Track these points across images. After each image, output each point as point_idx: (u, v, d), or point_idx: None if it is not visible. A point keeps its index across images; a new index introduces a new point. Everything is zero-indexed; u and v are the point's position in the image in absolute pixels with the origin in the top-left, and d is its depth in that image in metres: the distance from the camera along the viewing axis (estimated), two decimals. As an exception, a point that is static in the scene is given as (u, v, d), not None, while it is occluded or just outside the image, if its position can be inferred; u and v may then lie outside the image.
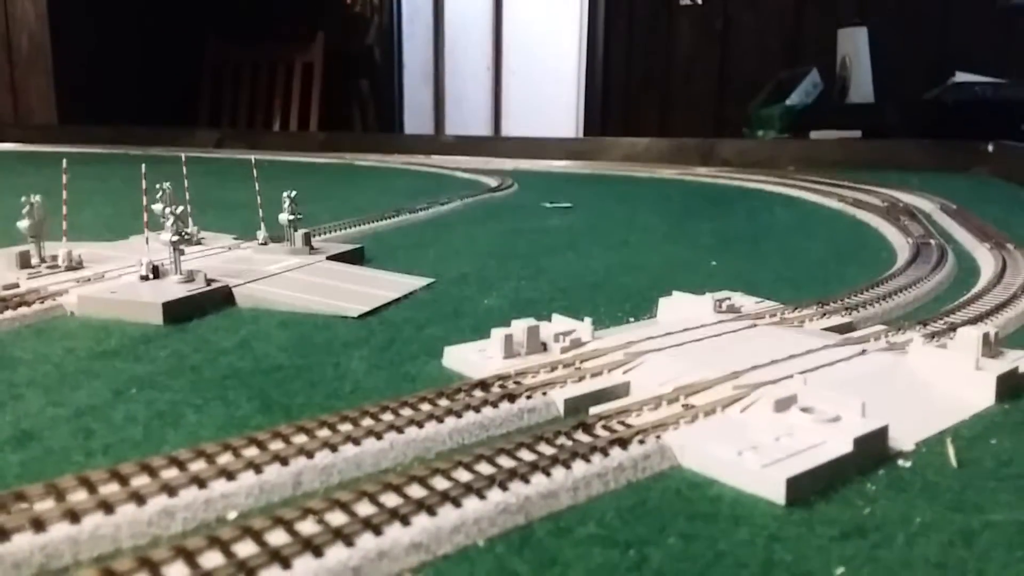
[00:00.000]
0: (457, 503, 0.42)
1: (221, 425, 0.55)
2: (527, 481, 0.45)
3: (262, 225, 1.05)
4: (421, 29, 4.20)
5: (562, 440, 0.49)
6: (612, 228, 1.46)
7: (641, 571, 0.39)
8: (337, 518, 0.41)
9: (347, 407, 0.53)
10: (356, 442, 0.49)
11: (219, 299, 0.83)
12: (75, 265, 0.90)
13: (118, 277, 0.87)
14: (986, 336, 0.63)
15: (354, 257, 1.06)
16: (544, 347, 0.65)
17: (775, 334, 0.71)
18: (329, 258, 1.01)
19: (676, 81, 3.81)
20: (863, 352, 0.66)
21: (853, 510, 0.44)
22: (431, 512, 0.41)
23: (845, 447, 0.48)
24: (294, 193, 1.02)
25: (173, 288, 0.82)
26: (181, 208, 0.84)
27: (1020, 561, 0.40)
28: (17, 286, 0.83)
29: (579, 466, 0.47)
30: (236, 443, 0.48)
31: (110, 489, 0.43)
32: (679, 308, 0.78)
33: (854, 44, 3.29)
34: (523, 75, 4.41)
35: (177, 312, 0.78)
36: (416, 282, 0.95)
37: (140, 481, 0.44)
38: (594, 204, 1.79)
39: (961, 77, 3.03)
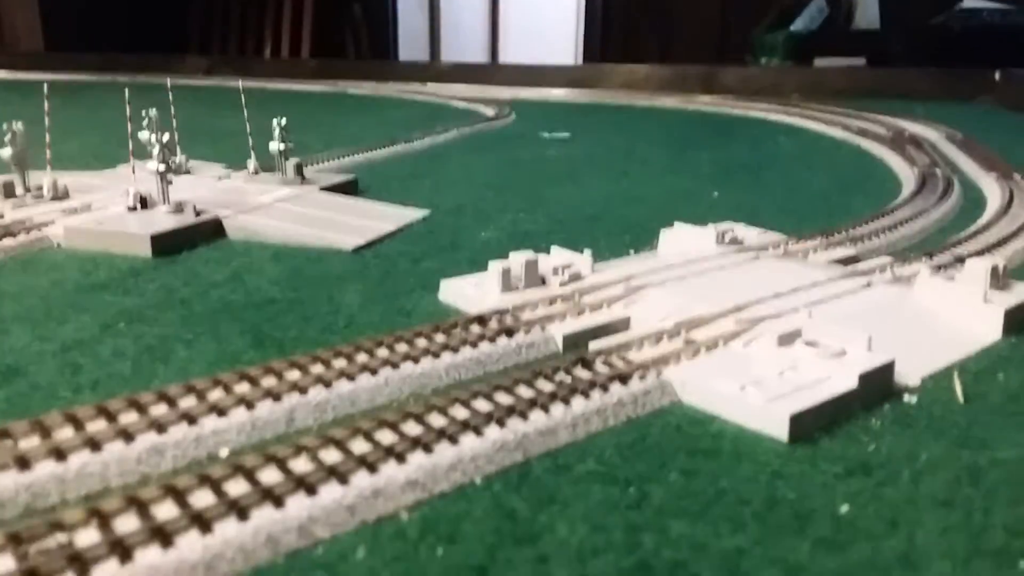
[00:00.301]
0: (454, 440, 0.41)
1: (212, 360, 0.54)
2: (525, 418, 0.44)
3: (252, 154, 1.03)
4: (415, -49, 4.06)
5: (561, 376, 0.48)
6: (612, 158, 1.43)
7: (641, 508, 0.38)
8: (331, 455, 0.40)
9: (341, 342, 0.52)
10: (351, 378, 0.48)
11: (209, 231, 0.81)
12: (60, 195, 0.88)
13: (105, 208, 0.85)
14: (994, 268, 0.62)
15: (348, 188, 1.03)
16: (543, 281, 0.64)
17: (779, 266, 0.70)
18: (322, 189, 0.99)
19: (678, 6, 3.70)
20: (868, 285, 0.65)
21: (858, 446, 0.44)
22: (427, 449, 0.41)
23: (850, 382, 0.47)
24: (284, 120, 0.99)
25: (162, 219, 0.80)
26: (168, 136, 0.81)
27: (1027, 498, 0.39)
28: (1, 217, 0.81)
29: (578, 402, 0.46)
30: (227, 379, 0.47)
31: (97, 426, 0.42)
32: (681, 240, 0.77)
33: (861, -33, 3.19)
34: (522, 0, 4.29)
35: (166, 244, 0.76)
36: (412, 214, 0.93)
37: (128, 418, 0.43)
38: (593, 134, 1.75)
39: (969, 2, 2.95)
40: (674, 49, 3.66)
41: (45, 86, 0.85)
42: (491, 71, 3.02)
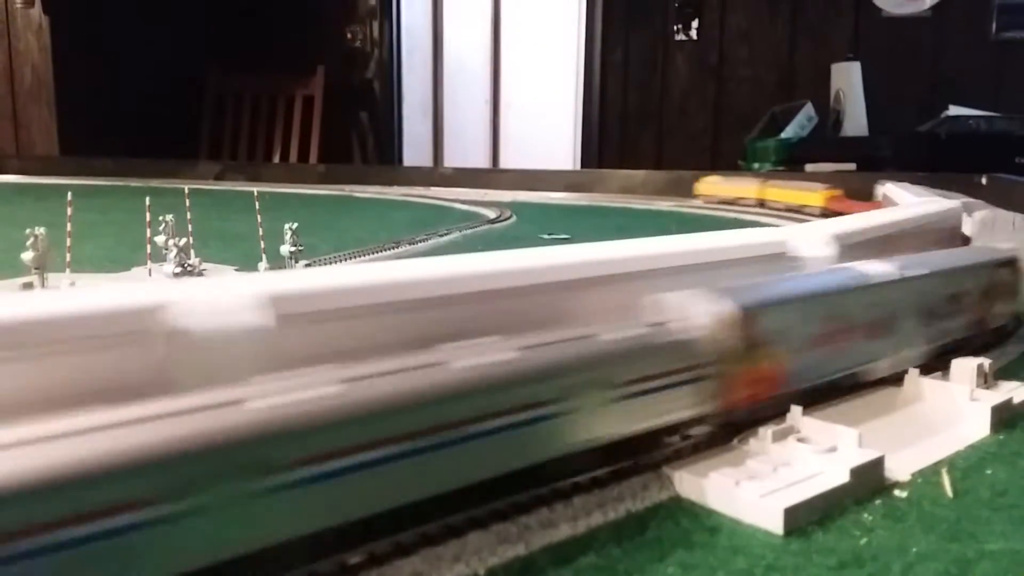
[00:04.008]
0: (458, 532, 0.43)
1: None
2: (527, 511, 0.45)
3: (263, 256, 1.06)
4: (420, 63, 4.25)
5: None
6: (610, 260, 1.47)
7: (641, 600, 0.39)
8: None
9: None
10: (358, 472, 0.50)
11: (221, 330, 0.84)
12: (78, 296, 0.91)
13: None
14: (980, 367, 0.64)
15: (354, 288, 1.06)
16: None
17: (772, 365, 0.72)
18: (329, 289, 1.02)
19: (672, 114, 3.85)
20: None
21: (850, 540, 0.45)
22: (431, 541, 0.42)
23: (842, 477, 0.49)
24: (295, 225, 1.03)
25: (175, 319, 0.83)
26: (184, 240, 0.85)
27: (1016, 590, 0.40)
28: (20, 317, 0.84)
29: (579, 496, 0.47)
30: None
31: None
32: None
33: (847, 78, 3.34)
34: (521, 108, 4.46)
35: (179, 343, 0.79)
36: (416, 313, 0.95)
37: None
38: (591, 236, 1.79)
39: (955, 110, 3.07)
40: (669, 155, 3.79)
41: (69, 194, 0.89)
42: (492, 175, 3.12)
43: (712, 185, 2.39)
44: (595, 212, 2.35)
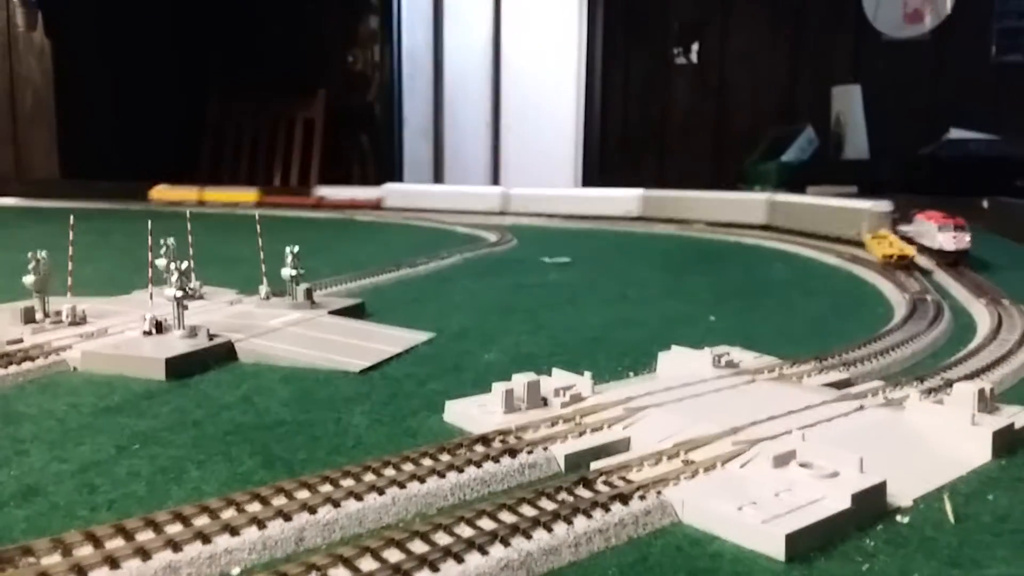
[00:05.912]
0: (459, 559, 0.43)
1: (224, 481, 0.55)
2: (529, 537, 0.45)
3: (264, 280, 1.07)
4: (421, 85, 4.28)
5: (563, 495, 0.50)
6: (611, 283, 1.47)
7: (643, 628, 0.39)
8: (340, 574, 0.41)
9: (349, 462, 0.54)
10: (358, 497, 0.50)
11: (221, 354, 0.84)
12: (79, 320, 0.91)
13: (121, 332, 0.88)
14: (982, 392, 0.64)
15: (355, 312, 1.07)
16: (545, 402, 0.66)
17: (774, 389, 0.72)
18: (331, 313, 1.02)
19: (673, 137, 3.87)
20: (861, 408, 0.67)
21: (852, 566, 0.45)
22: (433, 568, 0.42)
23: (843, 503, 0.49)
24: (296, 248, 1.03)
25: (176, 343, 0.83)
26: (186, 264, 0.85)
27: (1020, 618, 0.40)
28: (21, 341, 0.84)
29: (580, 522, 0.47)
30: (240, 498, 0.48)
31: (116, 544, 0.43)
32: (678, 363, 0.79)
33: (848, 101, 3.35)
34: (522, 130, 4.48)
35: (180, 367, 0.79)
36: (417, 337, 0.96)
37: (145, 536, 0.44)
38: (592, 258, 1.81)
39: (955, 133, 3.08)
40: (669, 179, 3.80)
41: (71, 218, 0.90)
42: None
43: (162, 191, 2.97)
44: (596, 235, 2.36)
